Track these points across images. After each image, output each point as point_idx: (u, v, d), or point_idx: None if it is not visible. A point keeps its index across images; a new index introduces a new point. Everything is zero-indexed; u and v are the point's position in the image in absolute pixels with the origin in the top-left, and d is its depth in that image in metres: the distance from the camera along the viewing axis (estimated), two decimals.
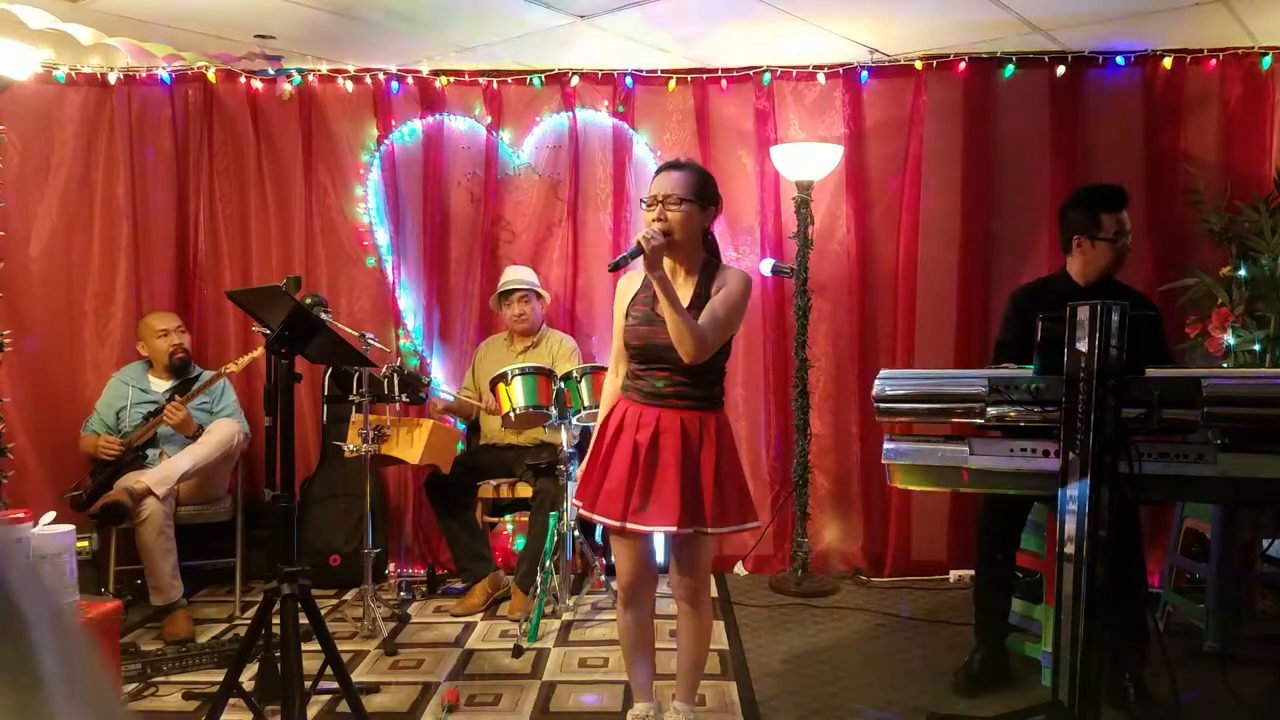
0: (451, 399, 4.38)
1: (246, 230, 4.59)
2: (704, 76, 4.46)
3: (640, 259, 2.37)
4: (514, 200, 4.62)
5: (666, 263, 2.48)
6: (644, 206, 2.50)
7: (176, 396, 3.94)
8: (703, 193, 2.50)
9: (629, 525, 2.47)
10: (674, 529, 2.43)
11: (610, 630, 3.71)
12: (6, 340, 3.72)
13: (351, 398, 3.73)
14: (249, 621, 2.54)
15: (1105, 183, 3.27)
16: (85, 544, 3.75)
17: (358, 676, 3.25)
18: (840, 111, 4.43)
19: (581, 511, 2.61)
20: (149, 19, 3.68)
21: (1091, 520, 2.24)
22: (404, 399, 3.80)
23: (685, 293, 2.50)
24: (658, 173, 2.56)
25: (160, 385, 4.10)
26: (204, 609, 4.06)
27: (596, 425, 2.64)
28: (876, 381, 2.57)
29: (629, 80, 4.51)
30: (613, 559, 2.87)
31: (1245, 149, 4.23)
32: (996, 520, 3.22)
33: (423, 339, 4.64)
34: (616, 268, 2.43)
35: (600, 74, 4.50)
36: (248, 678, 2.92)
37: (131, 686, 3.14)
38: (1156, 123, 4.27)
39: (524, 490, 4.13)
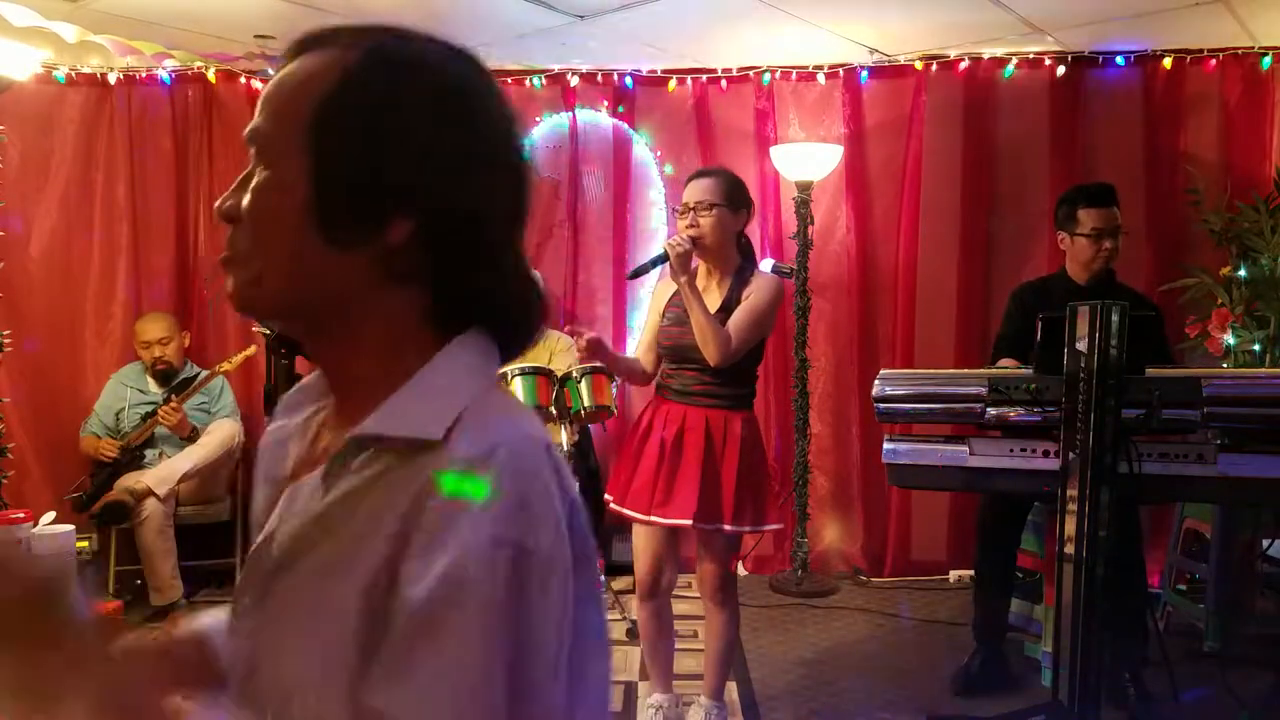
0: None
1: None
2: (704, 77, 4.46)
3: (664, 266, 2.46)
4: None
5: (701, 266, 2.56)
6: (677, 215, 2.58)
7: (173, 398, 3.94)
8: (733, 196, 2.56)
9: (653, 518, 2.55)
10: (689, 522, 2.50)
11: (610, 629, 3.70)
12: (6, 340, 3.72)
13: None
14: None
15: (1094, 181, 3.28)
16: (85, 544, 3.76)
17: None
18: (840, 111, 4.42)
19: (612, 506, 2.68)
20: (148, 19, 3.68)
21: (1091, 520, 2.24)
22: None
23: (716, 296, 2.57)
24: (688, 181, 2.62)
25: (157, 387, 4.10)
26: (204, 609, 4.05)
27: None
28: (876, 381, 2.58)
29: (629, 80, 4.50)
30: (629, 557, 2.88)
31: (1245, 149, 4.22)
32: (996, 520, 3.22)
33: None
34: (636, 275, 2.54)
35: (600, 74, 4.50)
36: None
37: None
38: (1156, 123, 4.26)
39: None
